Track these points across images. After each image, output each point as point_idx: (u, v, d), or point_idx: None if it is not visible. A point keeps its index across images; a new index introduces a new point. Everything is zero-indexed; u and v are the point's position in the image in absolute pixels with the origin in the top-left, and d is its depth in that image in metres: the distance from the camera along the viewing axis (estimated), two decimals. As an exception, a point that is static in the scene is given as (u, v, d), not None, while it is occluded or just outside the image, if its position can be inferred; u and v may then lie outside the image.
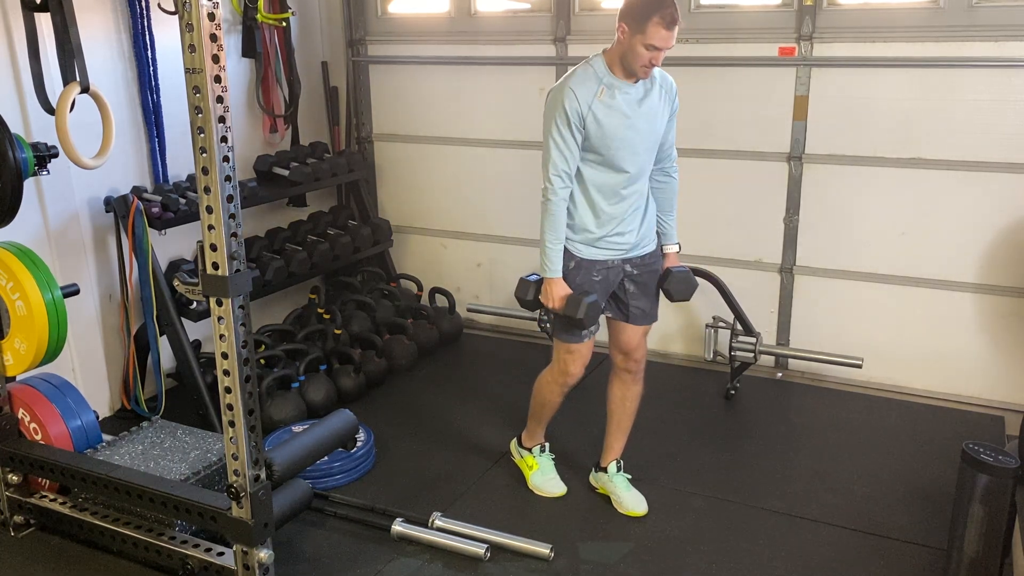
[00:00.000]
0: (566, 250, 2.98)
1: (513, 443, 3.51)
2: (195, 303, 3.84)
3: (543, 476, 3.37)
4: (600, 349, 3.29)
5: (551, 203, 2.89)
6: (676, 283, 3.12)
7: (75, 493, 3.06)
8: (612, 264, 3.02)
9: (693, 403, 4.14)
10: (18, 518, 3.11)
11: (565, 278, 2.97)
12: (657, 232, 3.17)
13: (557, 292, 2.94)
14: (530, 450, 3.41)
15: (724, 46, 4.22)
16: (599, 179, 2.92)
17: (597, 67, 2.86)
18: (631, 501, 3.22)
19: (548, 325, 3.09)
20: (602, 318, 3.13)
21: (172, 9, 3.77)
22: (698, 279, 4.23)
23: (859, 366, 4.05)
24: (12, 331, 2.94)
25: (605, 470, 3.29)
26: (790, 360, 4.42)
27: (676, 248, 3.21)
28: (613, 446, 3.29)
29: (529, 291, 3.02)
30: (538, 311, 3.06)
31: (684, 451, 3.67)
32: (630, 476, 3.30)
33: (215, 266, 2.33)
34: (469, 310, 5.01)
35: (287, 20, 4.64)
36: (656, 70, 2.88)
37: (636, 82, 2.87)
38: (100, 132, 3.29)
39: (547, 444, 3.42)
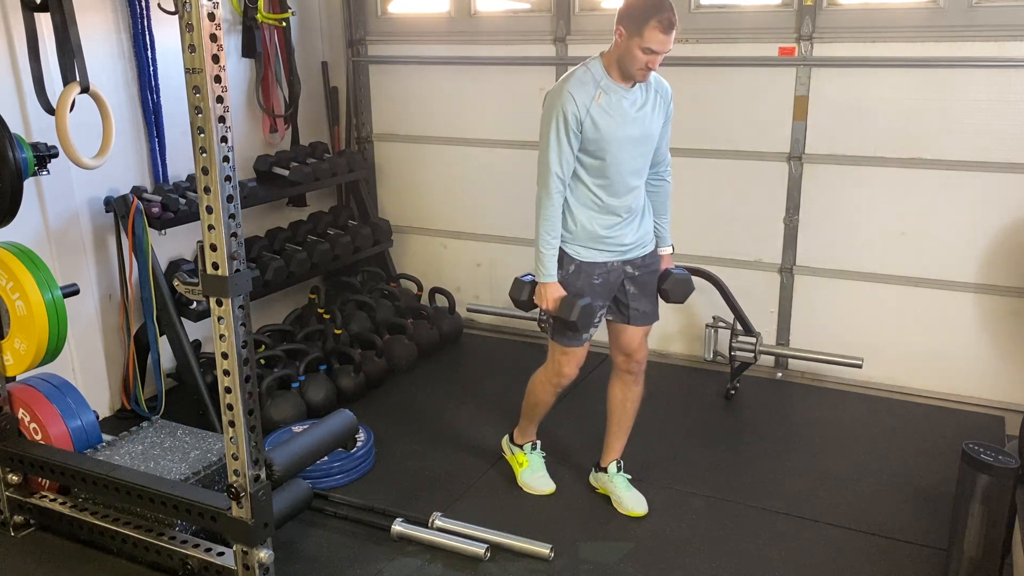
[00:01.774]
0: (566, 254, 2.98)
1: (505, 439, 3.52)
2: (195, 303, 3.83)
3: (532, 473, 3.39)
4: (600, 349, 3.29)
5: (546, 206, 2.89)
6: (674, 284, 3.14)
7: (75, 493, 3.06)
8: (612, 266, 3.02)
9: (693, 403, 4.14)
10: (18, 518, 3.11)
11: (565, 282, 2.98)
12: None
13: (551, 294, 2.95)
14: (521, 447, 3.43)
15: (724, 46, 4.22)
16: (596, 183, 2.92)
17: (595, 70, 2.86)
18: (631, 501, 3.22)
19: (548, 325, 3.11)
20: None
21: (172, 9, 3.77)
22: (698, 279, 4.27)
23: (859, 366, 4.05)
24: (12, 331, 2.94)
25: (605, 470, 3.29)
26: (790, 360, 4.42)
27: (670, 250, 3.22)
28: (613, 446, 3.29)
29: (524, 291, 3.03)
30: (539, 312, 3.08)
31: (684, 451, 3.67)
32: (630, 476, 3.30)
33: (215, 266, 2.33)
34: (469, 310, 5.01)
35: (287, 20, 4.63)
36: (652, 75, 2.88)
37: (633, 86, 2.87)
38: (100, 132, 3.29)
39: (538, 442, 3.44)
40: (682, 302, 3.21)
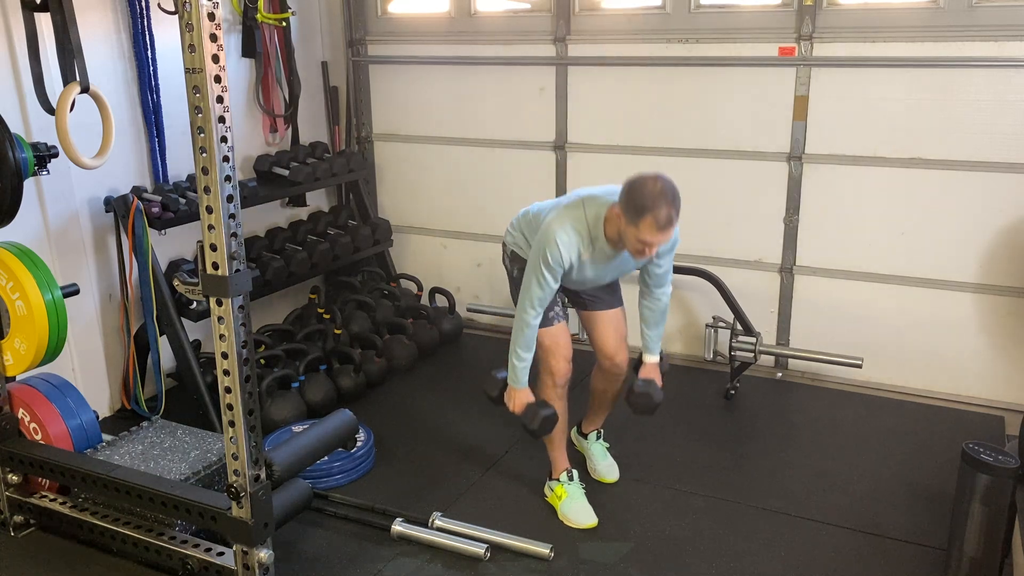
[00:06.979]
0: (514, 253, 3.12)
1: (545, 486, 3.32)
2: (195, 303, 3.84)
3: (571, 503, 3.17)
4: (586, 348, 3.30)
5: (521, 327, 2.96)
6: (637, 397, 3.13)
7: (75, 493, 3.06)
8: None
9: (693, 403, 4.14)
10: (18, 518, 3.11)
11: (512, 265, 3.14)
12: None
13: (519, 400, 3.05)
14: (558, 480, 3.23)
15: (724, 46, 4.22)
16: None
17: (591, 222, 2.85)
18: (605, 469, 3.39)
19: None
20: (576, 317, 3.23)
21: (172, 9, 3.77)
22: (698, 279, 4.28)
23: (859, 366, 4.05)
24: (12, 331, 2.95)
25: (586, 436, 3.45)
26: (790, 360, 4.42)
27: (655, 359, 3.21)
28: (594, 420, 3.46)
29: (495, 389, 3.14)
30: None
31: (684, 451, 3.67)
32: (607, 445, 3.43)
33: (215, 266, 2.33)
34: (469, 310, 5.01)
35: (287, 20, 4.64)
36: None
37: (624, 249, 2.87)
38: (100, 132, 3.29)
39: (574, 471, 3.25)
40: (649, 415, 3.18)
